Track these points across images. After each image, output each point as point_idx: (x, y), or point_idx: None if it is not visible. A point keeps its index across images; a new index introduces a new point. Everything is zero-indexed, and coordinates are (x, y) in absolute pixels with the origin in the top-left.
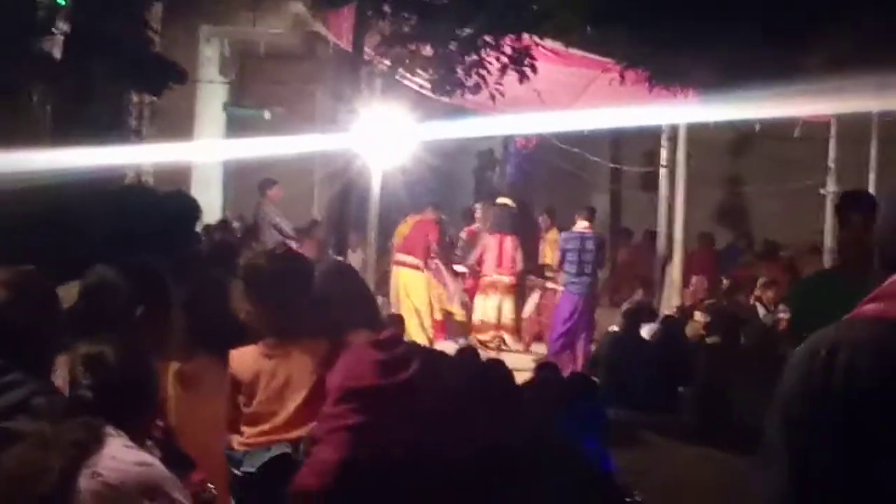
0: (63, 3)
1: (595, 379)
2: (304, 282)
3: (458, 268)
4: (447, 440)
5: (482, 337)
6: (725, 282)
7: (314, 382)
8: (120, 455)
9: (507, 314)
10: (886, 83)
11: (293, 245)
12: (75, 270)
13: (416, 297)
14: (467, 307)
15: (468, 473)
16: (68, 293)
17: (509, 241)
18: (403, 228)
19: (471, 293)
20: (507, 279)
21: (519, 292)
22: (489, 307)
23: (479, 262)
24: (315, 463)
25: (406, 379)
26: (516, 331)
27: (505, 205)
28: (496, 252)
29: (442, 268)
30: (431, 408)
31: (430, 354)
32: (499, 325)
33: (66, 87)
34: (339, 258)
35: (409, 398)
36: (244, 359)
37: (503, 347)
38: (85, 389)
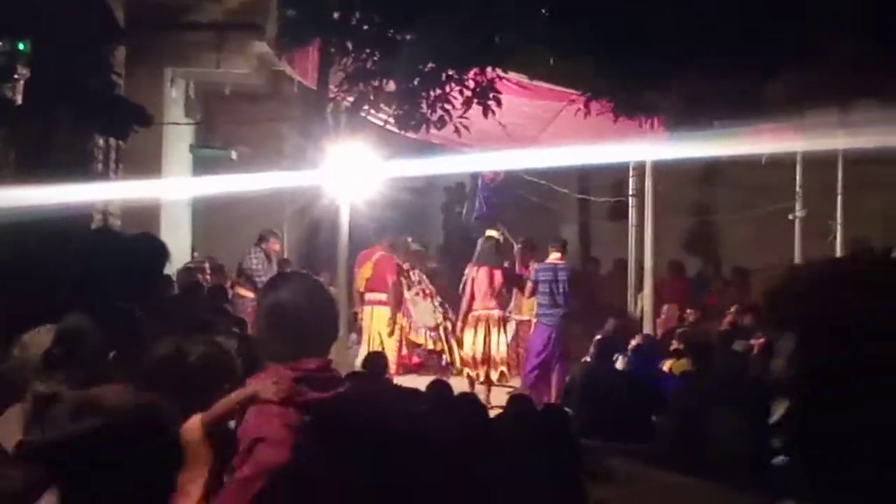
0: (23, 48)
1: (568, 409)
2: None
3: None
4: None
5: (472, 372)
6: (689, 311)
7: None
8: None
9: (501, 348)
10: (850, 118)
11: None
12: (44, 315)
13: (380, 330)
14: (458, 341)
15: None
16: (38, 338)
17: (499, 275)
18: (365, 271)
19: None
20: (497, 313)
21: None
22: (478, 341)
23: (471, 297)
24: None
25: (339, 394)
26: (508, 363)
27: (491, 237)
28: (486, 285)
29: (406, 298)
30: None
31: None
32: (489, 360)
33: (29, 133)
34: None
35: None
36: None
37: (502, 382)
38: (35, 434)
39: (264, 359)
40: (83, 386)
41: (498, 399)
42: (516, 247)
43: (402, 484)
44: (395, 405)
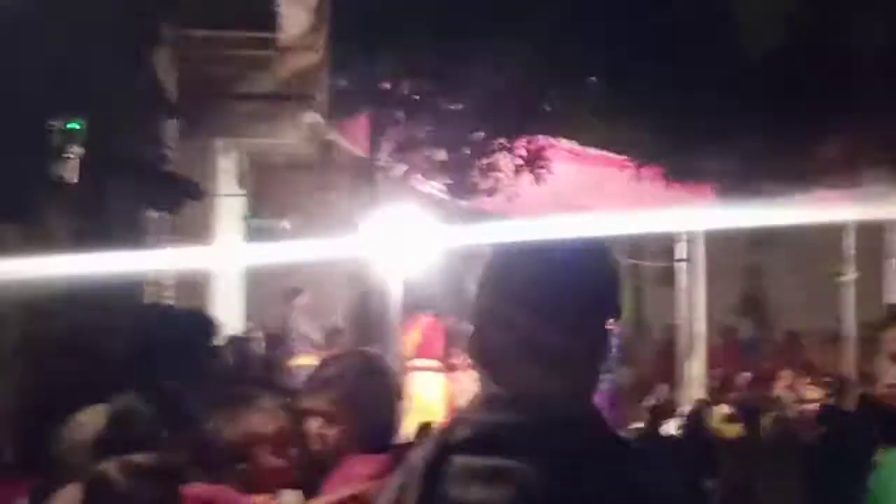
0: (78, 126)
1: None
2: None
3: None
4: None
5: None
6: (745, 374)
7: None
8: None
9: None
10: None
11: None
12: (97, 392)
13: (430, 398)
14: None
15: None
16: (90, 418)
17: None
18: (413, 337)
19: None
20: None
21: None
22: None
23: None
24: None
25: None
26: None
27: None
28: None
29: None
30: None
31: None
32: None
33: (82, 209)
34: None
35: None
36: None
37: None
38: None
39: (344, 446)
40: (137, 467)
41: None
42: None
43: None
44: None
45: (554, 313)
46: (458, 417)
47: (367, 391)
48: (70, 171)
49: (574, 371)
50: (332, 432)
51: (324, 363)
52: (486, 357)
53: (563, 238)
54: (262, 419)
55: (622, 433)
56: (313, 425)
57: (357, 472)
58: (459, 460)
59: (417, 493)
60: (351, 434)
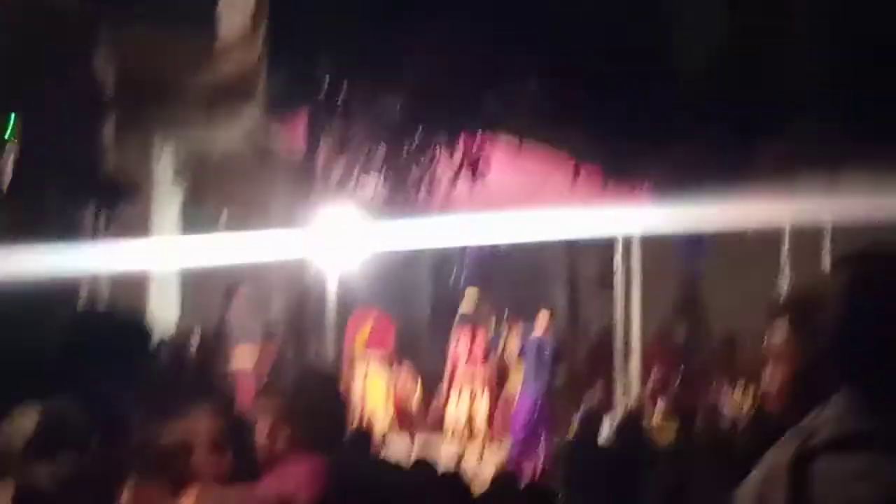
0: (12, 126)
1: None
2: None
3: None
4: None
5: (457, 428)
6: (680, 377)
7: None
8: None
9: (483, 406)
10: (839, 186)
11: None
12: (31, 395)
13: (376, 388)
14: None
15: None
16: (24, 418)
17: (481, 334)
18: (364, 332)
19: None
20: (482, 371)
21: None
22: (463, 400)
23: (456, 358)
24: None
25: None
26: (490, 423)
27: (471, 298)
28: (468, 346)
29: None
30: None
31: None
32: (473, 419)
33: (17, 209)
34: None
35: None
36: None
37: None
38: None
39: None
40: (66, 476)
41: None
42: (504, 321)
43: None
44: (380, 486)
45: None
46: (816, 420)
47: (313, 397)
48: (5, 170)
49: None
50: (279, 435)
51: (272, 371)
52: (847, 363)
53: None
54: (197, 422)
55: (555, 437)
56: (262, 428)
57: (291, 471)
58: (828, 459)
59: (786, 490)
60: (298, 437)
